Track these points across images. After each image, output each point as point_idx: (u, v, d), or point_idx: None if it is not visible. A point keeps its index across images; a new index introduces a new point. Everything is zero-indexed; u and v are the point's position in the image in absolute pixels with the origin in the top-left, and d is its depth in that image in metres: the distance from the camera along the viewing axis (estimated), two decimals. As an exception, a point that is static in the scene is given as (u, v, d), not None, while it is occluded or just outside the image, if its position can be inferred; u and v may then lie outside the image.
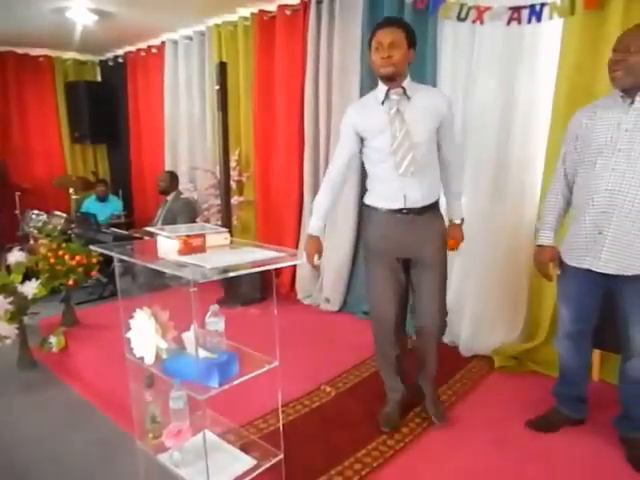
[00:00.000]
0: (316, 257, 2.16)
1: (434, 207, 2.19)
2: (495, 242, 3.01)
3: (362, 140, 2.16)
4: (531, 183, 2.91)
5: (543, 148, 2.78)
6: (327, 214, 2.22)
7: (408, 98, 2.05)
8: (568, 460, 2.07)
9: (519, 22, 2.76)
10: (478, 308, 3.07)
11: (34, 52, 5.76)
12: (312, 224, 2.20)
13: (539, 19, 2.70)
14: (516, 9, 2.75)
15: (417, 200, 2.11)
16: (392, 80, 2.02)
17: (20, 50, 5.65)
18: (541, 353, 2.84)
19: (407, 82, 2.06)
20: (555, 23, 2.67)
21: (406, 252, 2.19)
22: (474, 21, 2.88)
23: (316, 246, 2.17)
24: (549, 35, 2.74)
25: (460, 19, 2.91)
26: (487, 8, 2.83)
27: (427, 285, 2.20)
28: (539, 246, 2.18)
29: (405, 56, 2.01)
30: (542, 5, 2.67)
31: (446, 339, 3.24)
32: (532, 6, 2.70)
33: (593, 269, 1.96)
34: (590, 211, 1.95)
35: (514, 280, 3.01)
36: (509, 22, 2.79)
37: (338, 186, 2.22)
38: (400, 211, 2.12)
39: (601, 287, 2.02)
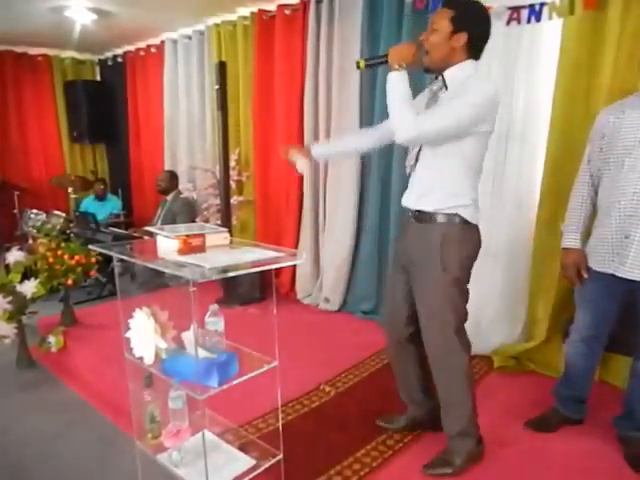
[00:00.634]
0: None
1: (432, 218, 1.85)
2: (495, 242, 3.00)
3: None
4: (530, 182, 2.90)
5: (543, 147, 2.78)
6: None
7: (447, 89, 1.80)
8: (567, 460, 2.07)
9: (518, 22, 2.76)
10: (477, 308, 3.06)
11: (32, 51, 5.75)
12: None
13: (538, 19, 2.70)
14: (516, 9, 2.75)
15: (411, 200, 1.92)
16: (428, 70, 1.82)
17: (18, 49, 5.64)
18: (541, 353, 2.84)
19: (454, 70, 1.77)
20: (554, 23, 2.67)
21: (404, 260, 1.99)
22: (474, 21, 2.88)
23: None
24: (549, 35, 2.73)
25: (460, 19, 2.91)
26: (487, 8, 2.82)
27: (420, 306, 1.94)
28: (564, 249, 2.12)
29: (444, 41, 1.73)
30: (541, 5, 2.67)
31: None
32: (531, 6, 2.70)
33: (617, 274, 1.92)
34: (616, 214, 1.91)
35: (513, 280, 3.01)
36: (509, 22, 2.79)
37: None
38: (405, 210, 1.96)
39: (622, 292, 1.99)
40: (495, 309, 3.06)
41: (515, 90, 2.87)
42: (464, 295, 1.95)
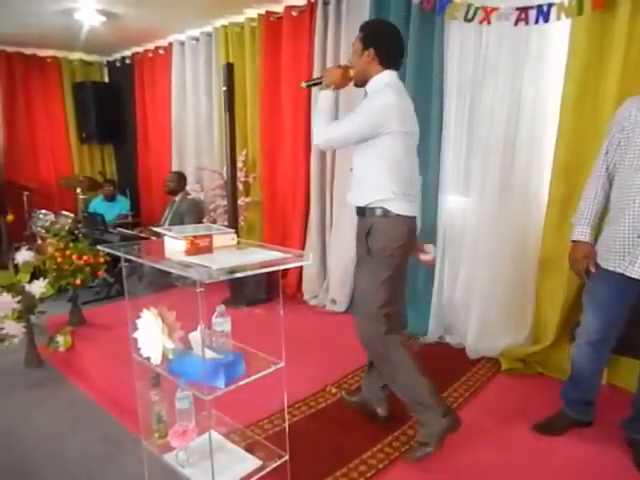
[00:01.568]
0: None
1: (363, 212, 2.08)
2: (502, 243, 2.99)
3: None
4: (538, 184, 2.89)
5: (550, 150, 2.76)
6: None
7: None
8: (574, 462, 2.06)
9: (526, 23, 2.74)
10: (485, 310, 3.05)
11: (41, 53, 5.80)
12: None
13: (546, 19, 2.68)
14: (523, 9, 2.74)
15: (349, 197, 2.16)
16: (357, 85, 2.14)
17: (28, 51, 5.69)
18: (548, 356, 2.82)
19: (374, 80, 2.06)
20: (563, 24, 2.65)
21: None
22: (481, 22, 2.87)
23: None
24: (557, 36, 2.72)
25: (467, 20, 2.90)
26: (494, 9, 2.82)
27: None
28: (573, 242, 2.07)
29: (358, 58, 2.06)
30: (549, 5, 2.65)
31: (453, 341, 3.24)
32: (539, 6, 2.68)
33: (627, 274, 1.88)
34: (630, 213, 1.86)
35: (521, 282, 2.99)
36: (516, 23, 2.77)
37: None
38: None
39: (633, 293, 1.96)
40: (502, 311, 3.04)
41: (523, 91, 2.86)
42: (388, 284, 2.04)
